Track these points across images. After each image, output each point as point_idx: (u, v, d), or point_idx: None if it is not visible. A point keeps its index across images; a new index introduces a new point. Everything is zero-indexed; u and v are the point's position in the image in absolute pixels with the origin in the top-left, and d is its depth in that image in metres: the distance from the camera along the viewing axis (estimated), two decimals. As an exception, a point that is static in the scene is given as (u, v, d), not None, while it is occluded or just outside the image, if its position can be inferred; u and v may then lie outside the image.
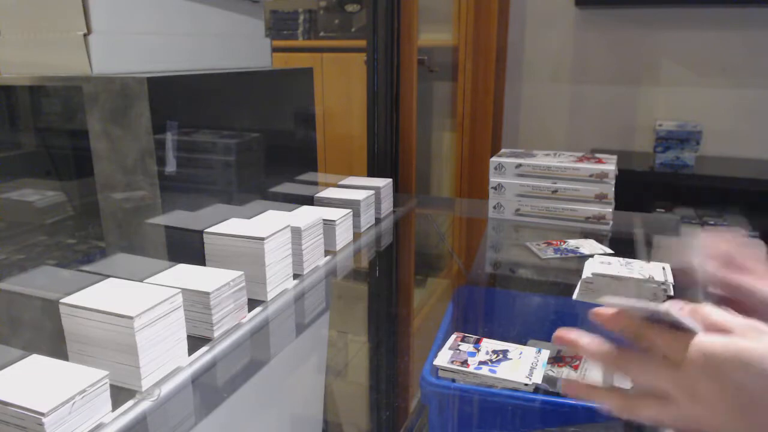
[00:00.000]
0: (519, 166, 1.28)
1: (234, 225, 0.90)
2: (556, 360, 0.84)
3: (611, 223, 1.24)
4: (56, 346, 0.67)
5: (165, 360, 0.66)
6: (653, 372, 0.45)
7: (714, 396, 0.41)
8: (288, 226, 0.90)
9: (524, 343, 0.81)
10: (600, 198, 1.24)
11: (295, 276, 0.95)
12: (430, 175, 2.61)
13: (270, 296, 0.87)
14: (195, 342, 0.73)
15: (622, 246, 1.18)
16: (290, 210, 1.03)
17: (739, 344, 0.42)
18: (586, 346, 0.48)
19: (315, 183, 1.24)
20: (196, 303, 0.74)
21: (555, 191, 1.26)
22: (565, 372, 0.81)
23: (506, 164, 1.29)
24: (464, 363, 0.74)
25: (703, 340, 0.43)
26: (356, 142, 2.36)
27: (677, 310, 0.44)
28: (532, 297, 1.05)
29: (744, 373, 0.41)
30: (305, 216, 0.99)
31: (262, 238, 0.84)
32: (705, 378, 0.42)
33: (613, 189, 1.23)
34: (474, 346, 0.78)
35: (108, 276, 0.72)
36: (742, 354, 0.41)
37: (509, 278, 1.17)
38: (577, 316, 0.98)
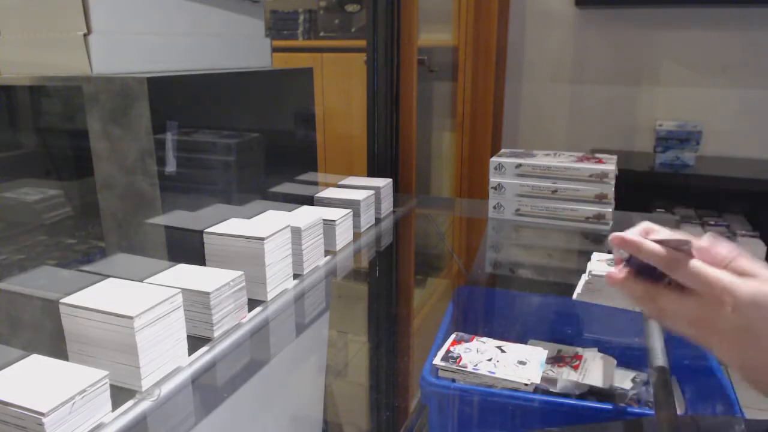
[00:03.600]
0: (519, 166, 1.28)
1: (234, 225, 0.90)
2: (555, 360, 0.84)
3: (611, 223, 1.24)
4: (56, 346, 0.67)
5: (165, 360, 0.67)
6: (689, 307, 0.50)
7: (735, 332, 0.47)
8: (288, 226, 0.90)
9: (524, 343, 0.81)
10: (600, 198, 1.24)
11: (295, 276, 0.95)
12: (430, 175, 2.60)
13: (270, 296, 0.87)
14: (195, 342, 0.73)
15: (622, 246, 1.17)
16: (290, 210, 1.03)
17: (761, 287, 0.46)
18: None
19: (315, 183, 1.24)
20: (196, 303, 0.74)
21: (555, 191, 1.26)
22: (565, 372, 0.81)
23: (506, 164, 1.29)
24: (464, 363, 0.74)
25: (735, 283, 0.47)
26: (356, 142, 2.36)
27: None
28: (532, 297, 1.05)
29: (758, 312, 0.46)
30: (305, 216, 0.99)
31: (262, 238, 0.84)
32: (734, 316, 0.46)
33: (613, 189, 1.23)
34: (474, 346, 0.78)
35: (108, 276, 0.72)
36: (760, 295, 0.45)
37: (509, 278, 1.17)
38: (577, 316, 0.98)
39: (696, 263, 0.49)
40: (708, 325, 0.49)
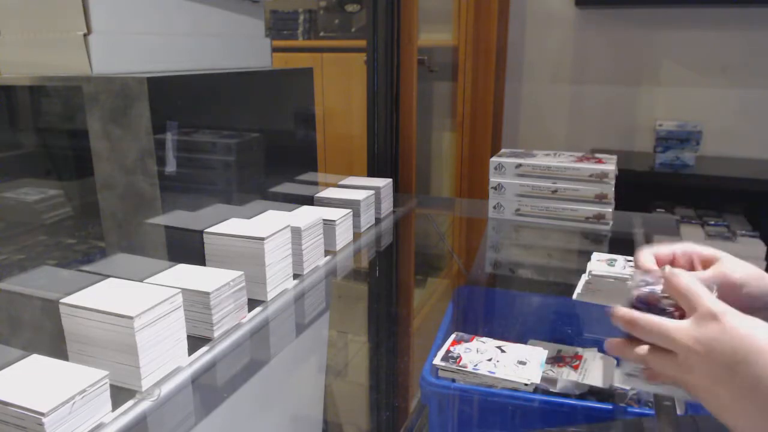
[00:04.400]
0: (519, 166, 1.28)
1: (234, 225, 0.90)
2: (555, 360, 0.84)
3: (611, 223, 1.24)
4: (56, 346, 0.67)
5: (165, 360, 0.67)
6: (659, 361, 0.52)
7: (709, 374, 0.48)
8: (288, 226, 0.90)
9: (524, 343, 0.81)
10: (600, 198, 1.24)
11: (295, 276, 0.95)
12: (430, 175, 2.61)
13: (270, 296, 0.87)
14: (195, 342, 0.73)
15: (622, 246, 1.18)
16: (290, 210, 1.03)
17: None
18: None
19: (315, 183, 1.24)
20: (196, 303, 0.74)
21: (555, 191, 1.26)
22: (565, 372, 0.81)
23: (506, 164, 1.29)
24: (464, 363, 0.74)
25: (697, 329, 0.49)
26: (356, 142, 2.36)
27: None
28: (532, 297, 1.05)
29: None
30: (305, 216, 0.99)
31: (262, 238, 0.84)
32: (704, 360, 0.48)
33: (613, 189, 1.23)
34: (474, 346, 0.78)
35: (108, 276, 0.72)
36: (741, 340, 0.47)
37: (509, 278, 1.17)
38: (577, 316, 0.98)
39: (647, 319, 0.51)
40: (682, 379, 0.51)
